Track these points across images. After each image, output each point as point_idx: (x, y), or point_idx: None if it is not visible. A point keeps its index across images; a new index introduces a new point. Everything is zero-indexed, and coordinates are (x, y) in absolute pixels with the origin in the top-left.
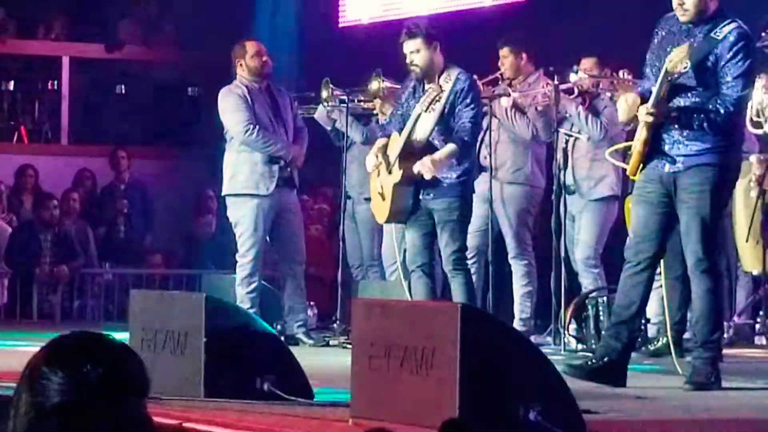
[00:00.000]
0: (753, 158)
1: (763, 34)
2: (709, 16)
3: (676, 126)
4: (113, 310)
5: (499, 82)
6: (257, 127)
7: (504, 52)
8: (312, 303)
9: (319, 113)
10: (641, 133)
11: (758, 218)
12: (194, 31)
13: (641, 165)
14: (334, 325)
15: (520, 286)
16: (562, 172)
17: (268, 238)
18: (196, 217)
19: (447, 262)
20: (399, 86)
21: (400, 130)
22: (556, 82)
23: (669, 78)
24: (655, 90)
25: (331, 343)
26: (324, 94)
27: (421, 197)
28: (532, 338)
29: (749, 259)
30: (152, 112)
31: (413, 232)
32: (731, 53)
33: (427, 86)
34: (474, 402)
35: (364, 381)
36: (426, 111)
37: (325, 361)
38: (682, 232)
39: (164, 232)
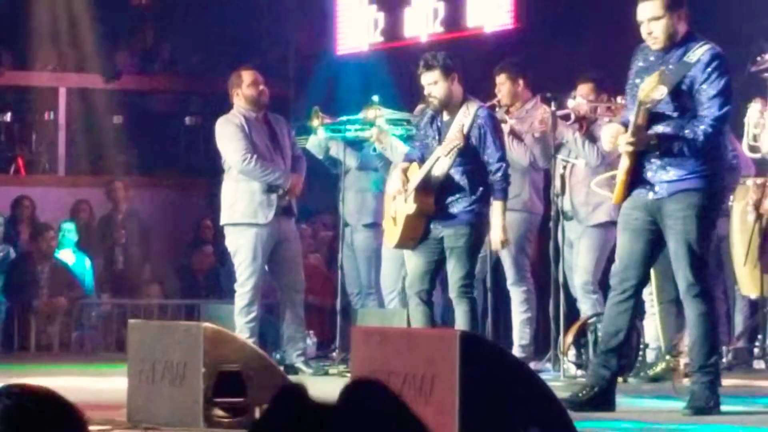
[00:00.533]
0: (749, 182)
1: (758, 59)
2: (680, 40)
3: (658, 153)
4: (112, 341)
5: (497, 109)
6: (255, 156)
7: (501, 78)
8: (311, 332)
9: (311, 142)
10: (624, 162)
11: (755, 242)
12: (192, 60)
13: (626, 193)
14: (334, 353)
15: (519, 313)
16: (560, 198)
17: (266, 267)
18: (194, 248)
19: (453, 288)
20: (397, 113)
21: (421, 158)
22: (553, 108)
23: (643, 107)
24: (632, 119)
25: (330, 371)
26: (314, 122)
27: (432, 226)
28: (532, 364)
29: (747, 283)
30: (150, 142)
31: (419, 257)
32: (705, 75)
33: (449, 133)
34: (474, 428)
35: None
36: (446, 156)
37: (324, 390)
38: (671, 258)
39: (162, 262)
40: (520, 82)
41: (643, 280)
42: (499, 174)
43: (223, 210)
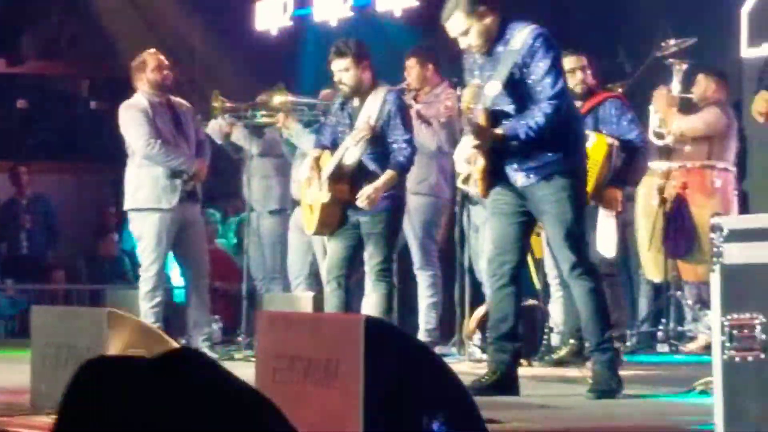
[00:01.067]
0: (654, 166)
1: (663, 44)
2: (498, 33)
3: (510, 145)
4: (16, 327)
5: (405, 93)
6: (159, 141)
7: (410, 62)
8: (217, 317)
9: (211, 127)
10: (480, 162)
11: (659, 226)
12: (97, 45)
13: (490, 186)
14: (239, 338)
15: (425, 297)
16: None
17: (172, 252)
18: (99, 233)
19: (370, 272)
20: (303, 99)
21: (333, 144)
22: (459, 93)
23: (482, 108)
24: (472, 126)
25: (236, 356)
26: (215, 106)
27: (349, 212)
28: (437, 349)
29: (651, 267)
30: (54, 127)
31: (337, 243)
32: (531, 55)
33: (358, 122)
34: (378, 414)
35: (269, 393)
36: (355, 145)
37: None
38: (551, 242)
39: (67, 248)
40: (430, 66)
41: (520, 263)
42: (404, 153)
43: (126, 195)
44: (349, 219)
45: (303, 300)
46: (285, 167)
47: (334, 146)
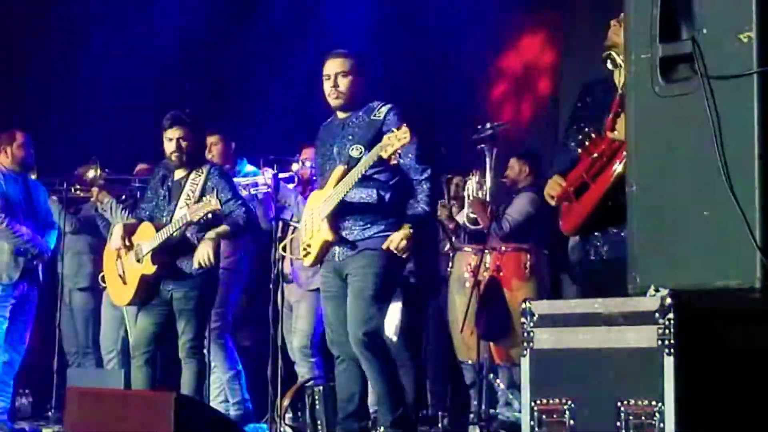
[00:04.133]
0: (468, 248)
1: (479, 127)
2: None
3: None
4: None
5: None
6: (7, 217)
7: (213, 139)
8: (27, 391)
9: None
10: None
11: (473, 308)
12: None
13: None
14: (49, 413)
15: (225, 370)
16: (281, 262)
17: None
18: None
19: (182, 349)
20: (117, 176)
21: (150, 218)
22: (275, 171)
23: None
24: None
25: (44, 431)
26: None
27: (162, 286)
28: (250, 426)
29: (464, 349)
30: None
31: (146, 318)
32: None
33: (199, 199)
34: None
35: None
36: (195, 221)
37: None
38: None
39: None
40: (232, 144)
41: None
42: (238, 218)
43: None
44: (161, 293)
45: (114, 376)
46: (97, 245)
47: (150, 219)
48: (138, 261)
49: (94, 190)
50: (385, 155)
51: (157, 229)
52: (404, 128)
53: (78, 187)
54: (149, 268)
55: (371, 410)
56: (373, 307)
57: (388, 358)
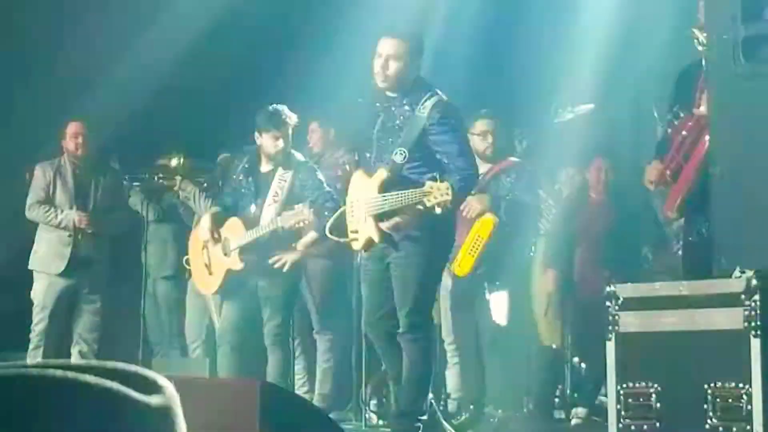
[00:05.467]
0: None
1: (559, 110)
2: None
3: None
4: None
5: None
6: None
7: (313, 125)
8: None
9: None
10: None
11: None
12: None
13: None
14: None
15: (322, 361)
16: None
17: None
18: None
19: (267, 336)
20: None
21: (234, 207)
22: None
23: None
24: None
25: None
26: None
27: (248, 277)
28: (333, 414)
29: (548, 333)
30: None
31: (231, 306)
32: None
33: (294, 206)
34: None
35: None
36: (287, 227)
37: None
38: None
39: None
40: (331, 131)
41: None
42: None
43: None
44: (246, 284)
45: (199, 364)
46: (181, 233)
47: (234, 209)
48: (225, 254)
49: (177, 178)
50: (427, 204)
51: (246, 227)
52: (446, 186)
53: (161, 175)
54: (236, 264)
55: (453, 396)
56: (419, 291)
57: (433, 341)
